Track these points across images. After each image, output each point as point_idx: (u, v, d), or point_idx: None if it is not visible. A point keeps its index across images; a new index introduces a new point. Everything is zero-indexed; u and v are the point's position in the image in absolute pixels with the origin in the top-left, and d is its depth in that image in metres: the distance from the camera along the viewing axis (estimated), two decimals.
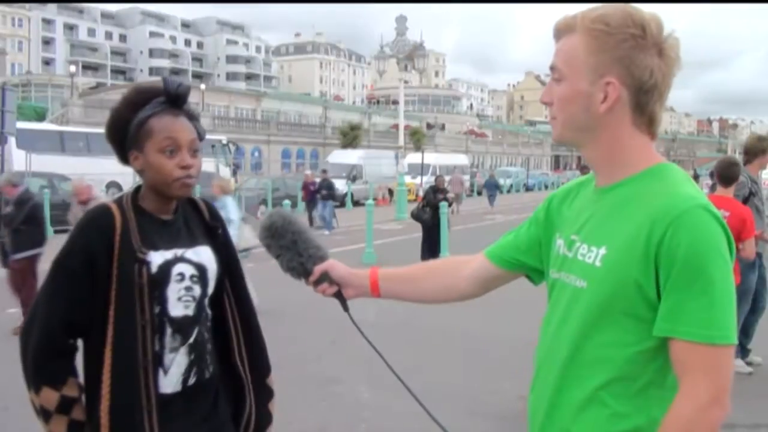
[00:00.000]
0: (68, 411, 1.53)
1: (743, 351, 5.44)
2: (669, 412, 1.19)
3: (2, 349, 6.04)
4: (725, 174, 4.97)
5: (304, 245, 1.62)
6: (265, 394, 1.80)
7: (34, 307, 1.57)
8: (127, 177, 18.44)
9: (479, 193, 32.99)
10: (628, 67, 1.25)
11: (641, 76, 1.25)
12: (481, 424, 4.31)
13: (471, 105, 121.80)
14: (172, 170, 1.58)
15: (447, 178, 27.83)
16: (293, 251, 1.61)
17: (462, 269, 1.64)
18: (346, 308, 1.67)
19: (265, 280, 5.75)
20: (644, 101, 1.27)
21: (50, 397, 1.52)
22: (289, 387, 5.00)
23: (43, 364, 1.53)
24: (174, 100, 1.63)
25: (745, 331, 5.42)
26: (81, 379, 1.59)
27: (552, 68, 1.34)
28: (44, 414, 1.53)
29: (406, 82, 25.99)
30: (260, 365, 1.79)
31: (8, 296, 8.11)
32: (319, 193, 16.98)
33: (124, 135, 1.63)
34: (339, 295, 1.65)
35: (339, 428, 4.28)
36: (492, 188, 26.97)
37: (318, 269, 1.62)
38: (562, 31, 1.33)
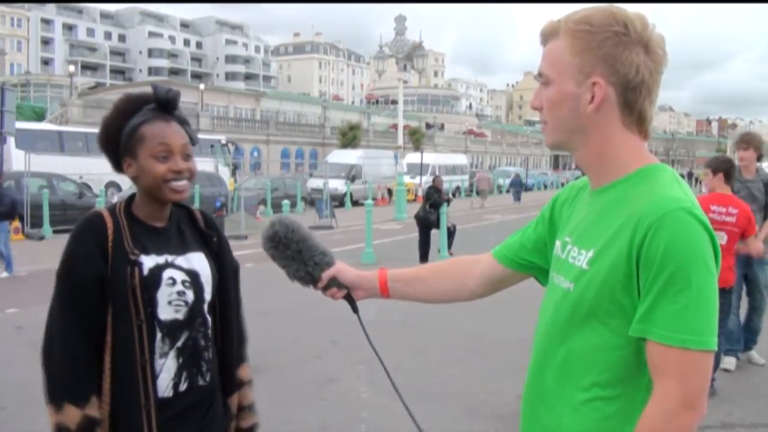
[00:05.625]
0: None
1: (745, 347, 5.44)
2: (641, 416, 1.19)
3: (0, 350, 6.05)
4: (713, 165, 4.91)
5: (310, 253, 1.59)
6: (227, 413, 1.77)
7: (48, 327, 1.56)
8: (127, 178, 18.39)
9: (479, 193, 33.56)
10: (613, 65, 1.24)
11: (627, 73, 1.24)
12: (480, 423, 4.31)
13: (470, 105, 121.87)
14: (164, 173, 1.60)
15: (454, 177, 28.53)
16: (299, 261, 1.59)
17: (471, 269, 1.63)
18: (355, 310, 1.66)
19: (264, 279, 5.75)
20: (632, 99, 1.26)
21: (72, 415, 1.49)
22: (289, 387, 5.00)
23: (67, 380, 1.51)
24: (164, 105, 1.64)
25: (751, 331, 5.41)
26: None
27: (540, 74, 1.34)
28: (58, 412, 1.50)
29: (405, 82, 25.94)
30: (225, 385, 1.76)
31: (8, 296, 8.12)
32: None
33: (117, 143, 1.64)
34: (349, 298, 1.65)
35: (338, 428, 4.27)
36: (518, 186, 30.55)
37: (326, 275, 1.61)
38: (547, 35, 1.33)
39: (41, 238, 14.27)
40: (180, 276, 1.63)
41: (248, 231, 14.54)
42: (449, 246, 11.62)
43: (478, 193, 31.71)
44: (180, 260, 1.65)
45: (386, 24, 25.96)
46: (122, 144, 1.63)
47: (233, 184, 23.06)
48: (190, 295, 1.63)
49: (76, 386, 1.51)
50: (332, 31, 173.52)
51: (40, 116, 33.93)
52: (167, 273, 1.61)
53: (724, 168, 4.91)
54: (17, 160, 16.91)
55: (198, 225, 1.76)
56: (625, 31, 1.24)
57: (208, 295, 1.68)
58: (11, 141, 16.35)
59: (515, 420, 1.46)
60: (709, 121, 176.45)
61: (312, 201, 22.71)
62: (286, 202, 14.85)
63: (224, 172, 25.18)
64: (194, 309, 1.64)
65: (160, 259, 1.61)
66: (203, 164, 23.94)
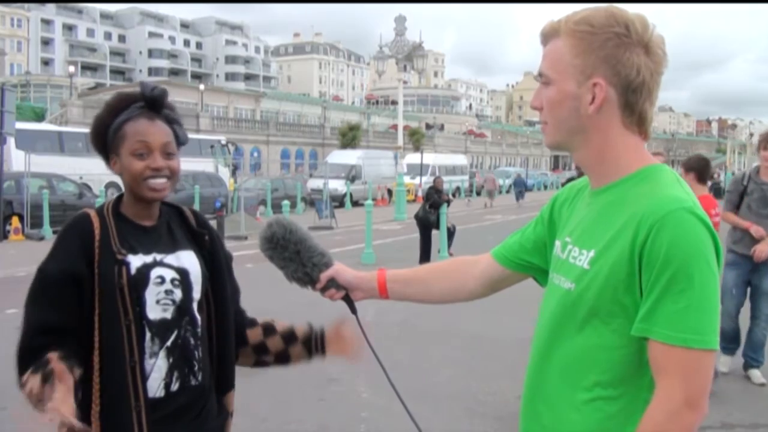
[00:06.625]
0: (42, 368, 1.41)
1: (747, 365, 5.24)
2: (644, 415, 1.19)
3: (0, 349, 6.05)
4: (686, 164, 4.86)
5: (308, 254, 1.59)
6: (221, 413, 1.76)
7: (23, 312, 1.58)
8: None
9: (479, 193, 33.75)
10: (614, 66, 1.24)
11: (628, 74, 1.24)
12: (480, 424, 4.31)
13: (470, 105, 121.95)
14: (142, 171, 1.60)
15: (454, 178, 28.60)
16: (297, 262, 1.59)
17: (470, 270, 1.63)
18: (354, 311, 1.65)
19: (264, 279, 5.75)
20: (633, 100, 1.27)
21: (28, 376, 1.44)
22: (289, 387, 5.00)
23: (22, 362, 1.52)
24: (151, 103, 1.64)
25: (753, 345, 5.16)
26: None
27: (540, 74, 1.33)
28: (22, 386, 1.45)
29: (405, 82, 25.97)
30: (221, 382, 1.75)
31: (8, 296, 8.12)
32: None
33: (105, 140, 1.65)
34: (347, 299, 1.65)
35: (338, 428, 4.27)
36: (520, 186, 31.21)
37: (324, 276, 1.61)
38: (547, 35, 1.33)
39: (41, 238, 14.26)
40: (170, 274, 1.62)
41: (248, 231, 14.54)
42: (449, 246, 11.63)
43: (478, 193, 31.91)
44: (170, 258, 1.64)
45: (386, 24, 25.99)
46: (108, 141, 1.64)
47: (233, 184, 23.06)
48: (178, 294, 1.62)
49: (29, 365, 1.46)
50: (332, 31, 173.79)
51: (40, 116, 33.93)
52: (155, 272, 1.60)
53: (698, 167, 4.85)
54: (17, 160, 16.89)
55: (189, 223, 1.75)
56: (626, 33, 1.24)
57: (197, 294, 1.67)
58: (11, 141, 16.35)
59: (515, 420, 1.46)
60: (709, 122, 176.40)
61: (312, 201, 22.70)
62: (286, 202, 14.83)
63: (224, 173, 25.18)
64: (182, 308, 1.63)
65: (148, 258, 1.60)
66: (203, 164, 23.96)
